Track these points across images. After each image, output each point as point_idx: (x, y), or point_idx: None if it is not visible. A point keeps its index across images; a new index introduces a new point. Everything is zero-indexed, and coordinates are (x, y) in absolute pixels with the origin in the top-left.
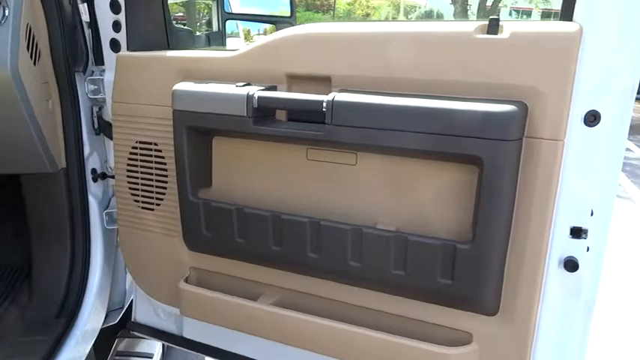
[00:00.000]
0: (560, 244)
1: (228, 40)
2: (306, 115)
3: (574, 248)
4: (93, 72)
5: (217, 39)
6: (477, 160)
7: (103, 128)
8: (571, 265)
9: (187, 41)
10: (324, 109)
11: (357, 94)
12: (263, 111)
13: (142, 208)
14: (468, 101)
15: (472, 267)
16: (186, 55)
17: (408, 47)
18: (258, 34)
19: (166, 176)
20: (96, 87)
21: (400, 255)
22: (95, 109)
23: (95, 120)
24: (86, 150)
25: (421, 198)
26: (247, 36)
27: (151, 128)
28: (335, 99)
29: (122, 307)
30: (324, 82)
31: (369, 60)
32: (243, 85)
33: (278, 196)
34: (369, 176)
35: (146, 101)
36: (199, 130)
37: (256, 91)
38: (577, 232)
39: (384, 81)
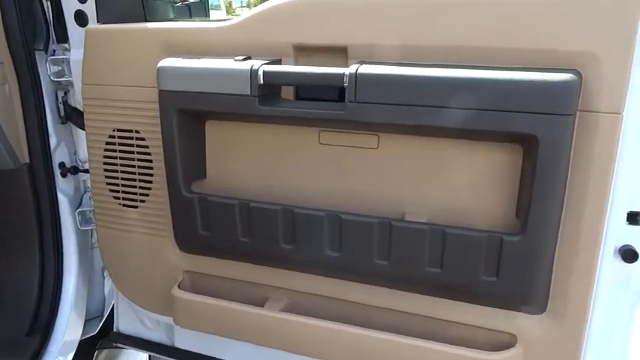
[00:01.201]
0: (617, 232)
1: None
2: (319, 92)
3: (631, 236)
4: (55, 51)
5: (200, 10)
6: (528, 139)
7: (70, 116)
8: (630, 254)
9: (166, 12)
10: (345, 85)
11: (383, 65)
12: (269, 88)
13: (124, 205)
14: (514, 71)
15: (522, 261)
16: (170, 27)
17: (439, 9)
18: (242, 7)
19: (151, 168)
20: (59, 68)
21: (437, 250)
22: (60, 94)
23: (61, 107)
24: (52, 142)
25: (454, 184)
26: (229, 9)
27: (130, 113)
28: (359, 71)
29: (101, 316)
30: (339, 54)
31: (393, 26)
32: (244, 59)
33: (285, 187)
34: (394, 161)
35: (124, 82)
36: (191, 114)
37: (261, 65)
38: (634, 218)
39: (410, 50)
